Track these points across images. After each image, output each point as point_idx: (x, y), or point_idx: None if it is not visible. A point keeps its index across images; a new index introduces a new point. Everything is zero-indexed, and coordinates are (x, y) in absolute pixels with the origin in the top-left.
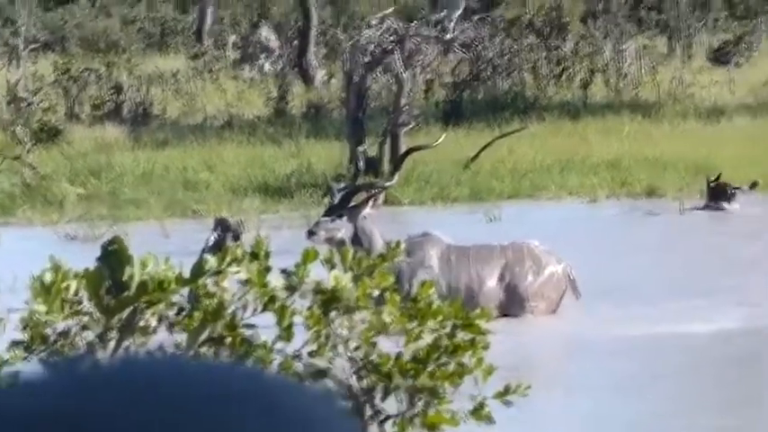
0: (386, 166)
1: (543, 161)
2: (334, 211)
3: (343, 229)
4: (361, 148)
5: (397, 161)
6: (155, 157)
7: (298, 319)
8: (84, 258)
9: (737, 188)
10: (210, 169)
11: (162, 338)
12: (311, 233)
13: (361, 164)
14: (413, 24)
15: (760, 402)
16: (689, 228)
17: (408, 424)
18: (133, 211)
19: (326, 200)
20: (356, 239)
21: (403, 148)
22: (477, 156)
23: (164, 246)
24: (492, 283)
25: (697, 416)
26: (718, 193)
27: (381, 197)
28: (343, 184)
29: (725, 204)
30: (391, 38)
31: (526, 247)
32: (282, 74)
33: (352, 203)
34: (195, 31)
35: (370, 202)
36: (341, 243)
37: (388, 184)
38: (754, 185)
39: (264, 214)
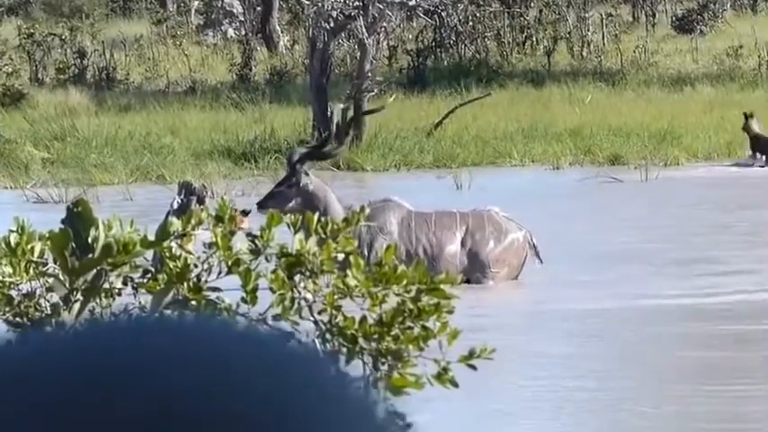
0: (350, 133)
1: (507, 129)
2: (284, 182)
3: (294, 199)
4: (329, 113)
5: (345, 126)
6: (118, 122)
7: (262, 283)
8: (53, 222)
9: None
10: (174, 134)
11: (127, 301)
12: (260, 205)
13: (333, 128)
14: None
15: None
16: (651, 195)
17: (373, 387)
18: (99, 175)
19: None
20: (310, 208)
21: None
22: (440, 123)
23: (131, 208)
24: (453, 249)
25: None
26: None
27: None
28: (304, 150)
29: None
30: (355, 4)
31: (487, 213)
32: (246, 40)
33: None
34: None
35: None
36: (293, 213)
37: (336, 151)
38: None
39: (227, 179)
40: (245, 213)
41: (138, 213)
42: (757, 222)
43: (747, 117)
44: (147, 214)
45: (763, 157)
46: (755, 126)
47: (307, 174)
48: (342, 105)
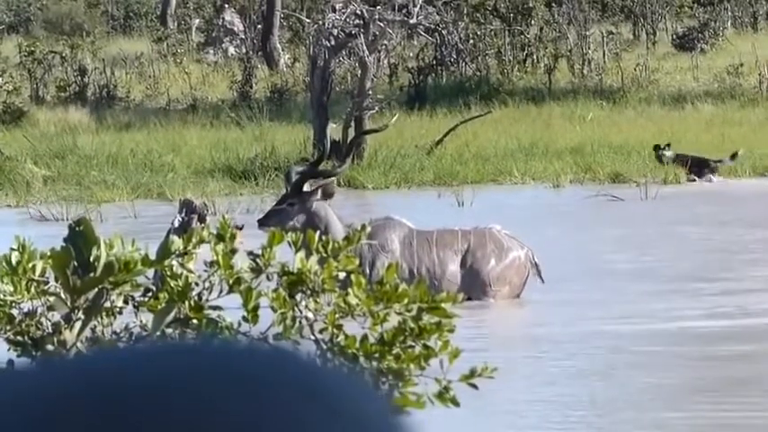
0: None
1: (507, 146)
2: (286, 199)
3: (294, 217)
4: (328, 130)
5: (348, 146)
6: (119, 140)
7: (264, 302)
8: (55, 239)
9: (719, 161)
10: (175, 152)
11: (128, 319)
12: (261, 223)
13: (328, 144)
14: (377, 8)
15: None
16: (651, 213)
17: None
18: (100, 192)
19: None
20: (310, 226)
21: (362, 131)
22: (441, 140)
23: (134, 226)
24: (454, 267)
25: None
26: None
27: (333, 184)
28: (300, 168)
29: (712, 177)
30: (356, 22)
31: (488, 231)
32: (246, 57)
33: (304, 190)
34: (159, 15)
35: (319, 191)
36: (293, 231)
37: (338, 170)
38: (734, 156)
39: (228, 197)
40: (239, 228)
41: (140, 231)
42: (762, 240)
43: (660, 149)
44: (149, 232)
45: (710, 176)
46: (669, 153)
47: (313, 193)
48: (334, 125)
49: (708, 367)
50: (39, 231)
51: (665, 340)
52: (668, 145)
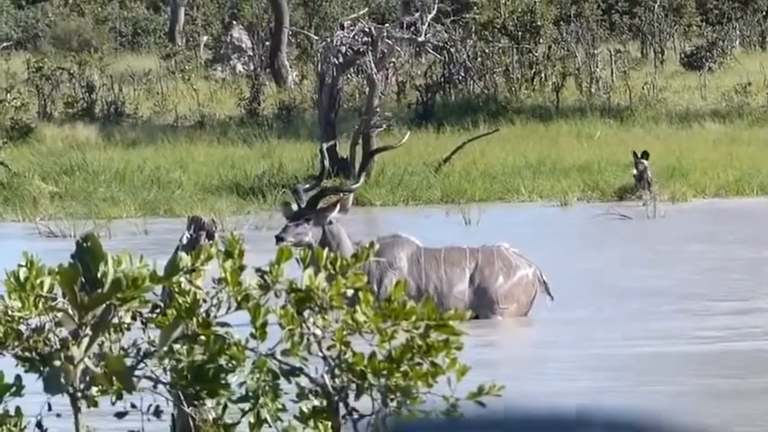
0: (357, 167)
1: (515, 164)
2: (301, 215)
3: (310, 234)
4: (325, 146)
5: (363, 163)
6: (127, 156)
7: (272, 318)
8: (63, 254)
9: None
10: (183, 169)
11: (136, 335)
12: (279, 239)
13: (327, 163)
14: (385, 26)
15: None
16: (659, 232)
17: (382, 424)
18: (108, 209)
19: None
20: (324, 243)
21: (373, 148)
22: (448, 158)
23: (145, 242)
24: (462, 285)
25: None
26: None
27: (350, 200)
28: (307, 185)
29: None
30: (364, 39)
31: (497, 249)
32: (254, 74)
33: (320, 206)
34: (167, 31)
35: (337, 206)
36: (308, 247)
37: (354, 186)
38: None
39: (236, 214)
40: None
41: (148, 247)
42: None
43: (638, 157)
44: (162, 247)
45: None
46: (644, 164)
47: (327, 209)
48: (326, 144)
49: (719, 390)
50: (46, 247)
51: (674, 362)
52: (646, 155)
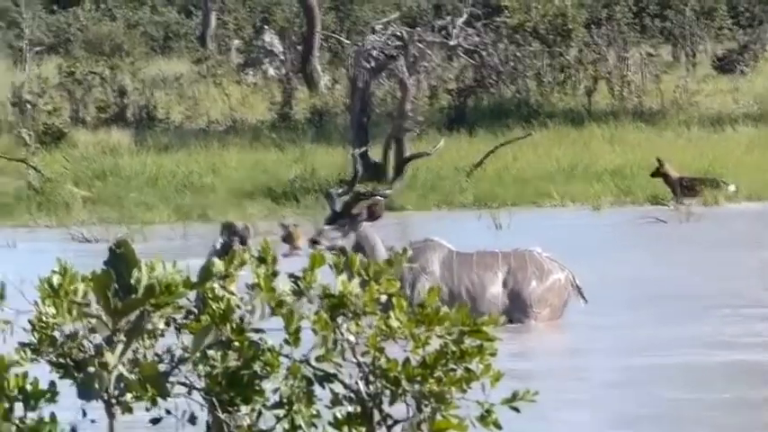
0: (390, 172)
1: (547, 168)
2: (336, 220)
3: (345, 238)
4: (358, 152)
5: (398, 168)
6: (159, 161)
7: (305, 324)
8: (95, 259)
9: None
10: (215, 173)
11: (169, 341)
12: (314, 242)
13: (359, 167)
14: (417, 30)
15: None
16: (694, 235)
17: (416, 429)
18: (140, 214)
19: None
20: (358, 247)
21: (407, 154)
22: (481, 162)
23: (178, 248)
24: (495, 289)
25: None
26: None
27: (382, 204)
28: (340, 190)
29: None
30: (396, 43)
31: (529, 253)
32: (286, 79)
33: (354, 211)
34: (199, 36)
35: (371, 211)
36: (343, 251)
37: (389, 191)
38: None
39: (268, 219)
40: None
41: (182, 252)
42: None
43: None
44: (199, 250)
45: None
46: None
47: (361, 214)
48: (359, 150)
49: (755, 400)
50: (80, 253)
51: (712, 369)
52: (660, 162)
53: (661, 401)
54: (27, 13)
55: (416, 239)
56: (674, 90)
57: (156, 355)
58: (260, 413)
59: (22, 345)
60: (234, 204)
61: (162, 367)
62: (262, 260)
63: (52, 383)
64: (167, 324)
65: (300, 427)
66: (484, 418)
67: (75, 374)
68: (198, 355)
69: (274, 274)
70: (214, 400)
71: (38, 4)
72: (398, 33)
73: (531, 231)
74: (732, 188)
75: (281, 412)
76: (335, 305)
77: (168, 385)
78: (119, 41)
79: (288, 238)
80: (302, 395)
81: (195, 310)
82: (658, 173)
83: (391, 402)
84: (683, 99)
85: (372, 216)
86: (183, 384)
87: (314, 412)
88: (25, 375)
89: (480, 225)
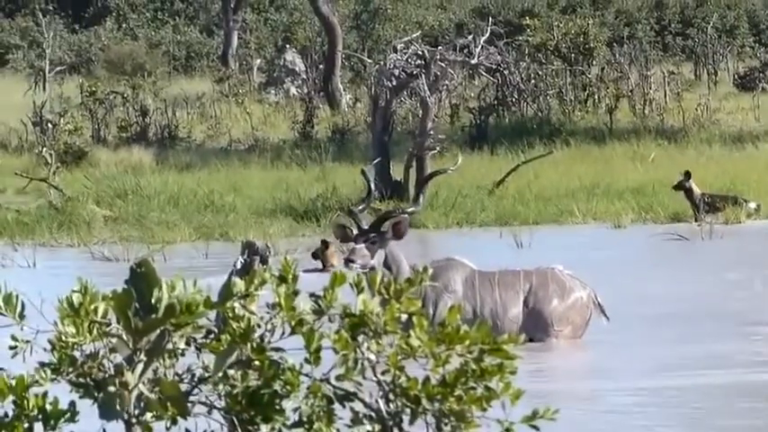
0: (411, 190)
1: (568, 186)
2: (365, 238)
3: (376, 256)
4: (369, 166)
5: (420, 186)
6: (181, 180)
7: (326, 343)
8: (117, 280)
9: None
10: (236, 192)
11: (190, 361)
12: (350, 261)
13: (371, 182)
14: (439, 49)
15: None
16: (715, 253)
17: None
18: (161, 233)
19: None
20: (386, 265)
21: (428, 173)
22: (502, 180)
23: (201, 267)
24: (516, 308)
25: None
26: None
27: (407, 222)
28: (360, 207)
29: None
30: (417, 62)
31: (551, 271)
32: (308, 97)
33: (382, 229)
34: (220, 55)
35: (396, 229)
36: (372, 269)
37: (413, 209)
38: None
39: (290, 238)
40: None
41: (203, 271)
42: None
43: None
44: (220, 269)
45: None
46: (688, 184)
47: (388, 232)
48: (367, 167)
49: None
50: (101, 272)
51: (738, 388)
52: (687, 174)
53: (685, 420)
54: (49, 32)
55: (438, 258)
56: (696, 108)
57: (177, 374)
58: None
59: (42, 364)
60: (255, 223)
61: (182, 387)
62: (282, 279)
63: (72, 403)
64: (188, 343)
65: None
66: None
67: (96, 394)
68: (219, 374)
69: (295, 293)
70: (234, 419)
71: (59, 24)
72: (420, 52)
73: (552, 249)
74: (753, 206)
75: (301, 431)
76: (356, 324)
77: (189, 405)
78: (141, 61)
79: (322, 255)
80: (323, 414)
81: (215, 330)
82: (681, 185)
83: (411, 421)
84: (704, 117)
85: (398, 234)
86: (204, 404)
87: (334, 431)
88: (45, 395)
89: (502, 243)
